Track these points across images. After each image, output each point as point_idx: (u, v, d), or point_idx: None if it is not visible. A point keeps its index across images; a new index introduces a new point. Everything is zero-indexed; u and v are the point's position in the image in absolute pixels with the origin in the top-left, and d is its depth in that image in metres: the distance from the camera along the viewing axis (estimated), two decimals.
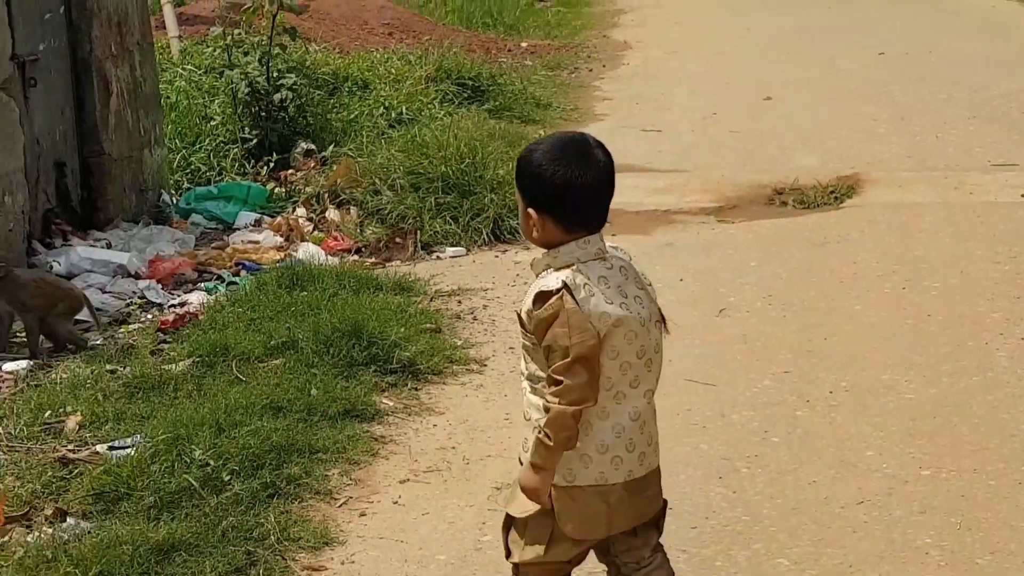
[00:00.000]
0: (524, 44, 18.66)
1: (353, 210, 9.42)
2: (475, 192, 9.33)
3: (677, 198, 10.10)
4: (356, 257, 8.79)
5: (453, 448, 5.80)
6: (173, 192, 10.01)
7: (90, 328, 7.44)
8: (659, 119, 13.23)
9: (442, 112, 12.16)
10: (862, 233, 8.88)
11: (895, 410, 6.03)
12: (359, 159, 10.00)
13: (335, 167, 10.08)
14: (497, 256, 8.82)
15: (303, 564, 4.81)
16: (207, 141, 10.96)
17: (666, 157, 11.54)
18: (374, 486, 5.45)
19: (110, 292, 8.00)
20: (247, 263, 8.50)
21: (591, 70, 16.80)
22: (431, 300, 7.79)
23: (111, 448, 5.56)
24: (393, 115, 11.88)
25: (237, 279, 8.19)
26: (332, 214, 9.45)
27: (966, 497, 5.20)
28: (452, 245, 8.98)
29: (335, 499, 5.32)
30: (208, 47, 13.05)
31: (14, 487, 5.26)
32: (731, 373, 6.55)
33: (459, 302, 7.81)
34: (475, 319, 7.52)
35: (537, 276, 3.57)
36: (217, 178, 10.39)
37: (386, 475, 5.56)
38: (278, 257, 8.65)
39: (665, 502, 3.81)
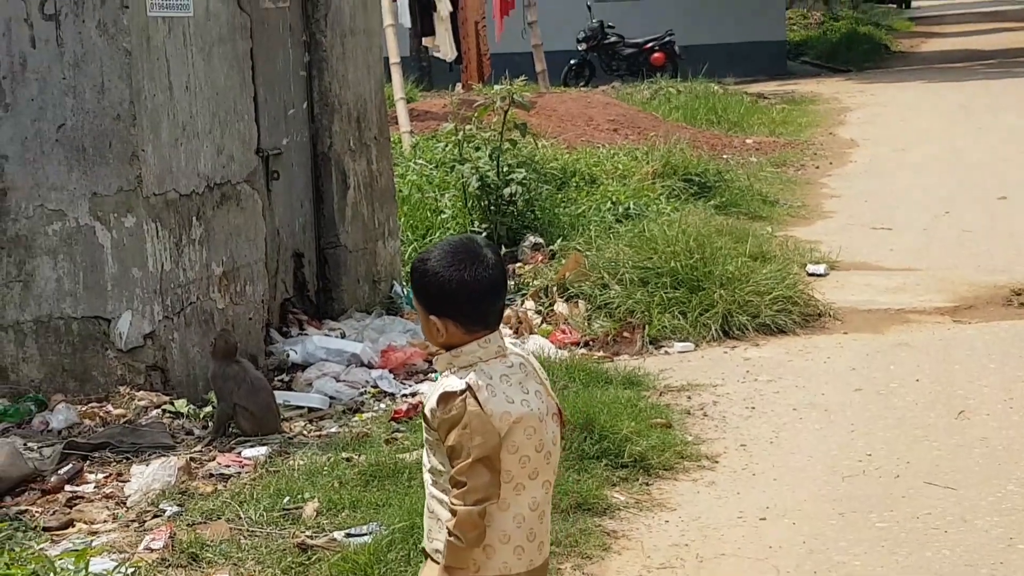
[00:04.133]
0: (749, 141, 18.67)
1: (581, 303, 9.47)
2: (703, 287, 9.30)
3: (911, 297, 9.92)
4: (584, 350, 8.82)
5: (686, 545, 5.73)
6: (405, 283, 10.19)
7: (325, 416, 7.60)
8: (889, 217, 13.08)
9: (669, 207, 12.21)
10: None
11: None
12: (587, 253, 10.07)
13: (563, 261, 10.16)
14: (726, 352, 8.76)
15: None
16: (438, 233, 11.17)
17: (898, 255, 11.37)
18: None
19: (344, 381, 8.15)
20: None
21: (818, 167, 16.73)
22: (661, 395, 7.77)
23: (348, 535, 5.63)
24: (620, 210, 11.96)
25: None
26: (560, 307, 9.51)
27: None
28: (680, 340, 8.94)
29: None
30: (439, 142, 13.34)
31: (255, 572, 5.36)
32: (972, 477, 6.36)
33: (688, 398, 7.76)
34: (705, 415, 7.47)
35: (441, 374, 3.62)
36: None
37: (619, 571, 5.51)
38: None
39: None
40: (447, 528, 3.52)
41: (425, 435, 3.65)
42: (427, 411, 3.59)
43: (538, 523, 3.66)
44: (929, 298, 9.87)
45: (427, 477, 3.68)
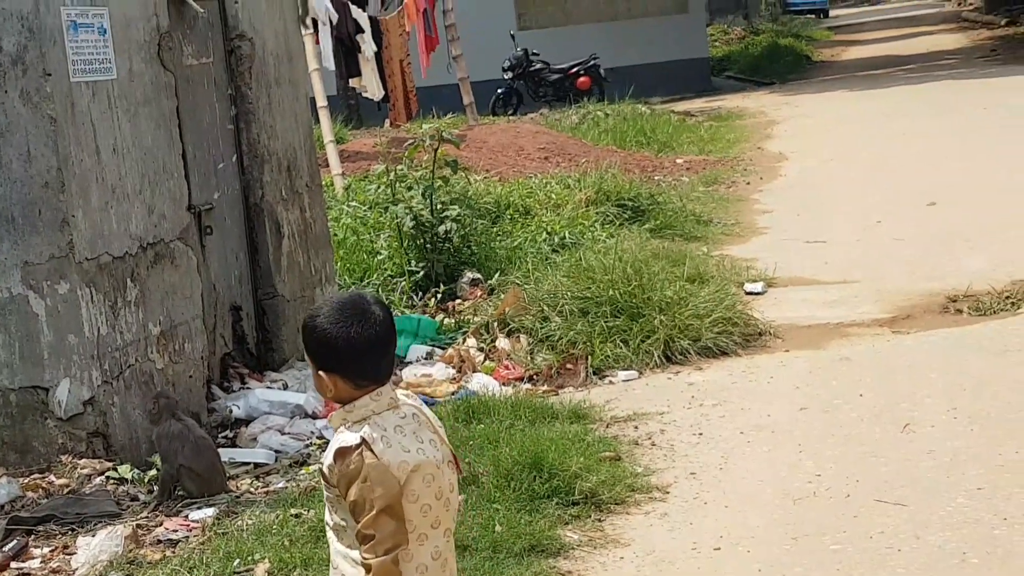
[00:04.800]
0: (680, 160, 18.72)
1: (523, 338, 9.42)
2: (643, 314, 9.27)
3: (849, 310, 9.93)
4: (529, 385, 8.77)
5: None
6: None
7: (271, 471, 7.50)
8: (822, 230, 13.12)
9: (604, 234, 12.18)
10: None
11: None
12: (526, 286, 10.02)
13: (503, 295, 10.12)
14: (670, 378, 8.73)
15: None
16: (375, 276, 11.12)
17: (833, 268, 11.39)
18: None
19: (289, 433, 8.06)
20: (422, 397, 8.49)
21: (748, 183, 16.77)
22: (607, 427, 7.72)
23: None
24: (556, 240, 11.93)
25: None
26: (502, 343, 9.46)
27: None
28: (624, 369, 8.90)
29: None
30: (372, 183, 13.23)
31: None
32: (922, 492, 6.36)
33: (636, 427, 7.72)
34: (654, 444, 7.43)
35: (336, 431, 3.61)
36: None
37: None
38: (452, 389, 8.66)
39: None
40: None
41: (325, 492, 3.64)
42: (324, 468, 3.60)
43: (441, 572, 3.66)
44: (867, 310, 9.89)
45: (331, 534, 3.69)
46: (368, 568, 3.49)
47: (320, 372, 3.62)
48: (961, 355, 8.51)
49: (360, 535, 3.51)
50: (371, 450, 3.50)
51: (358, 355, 3.58)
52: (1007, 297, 9.67)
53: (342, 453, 3.53)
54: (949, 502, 6.19)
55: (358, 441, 3.51)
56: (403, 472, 3.52)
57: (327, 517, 3.68)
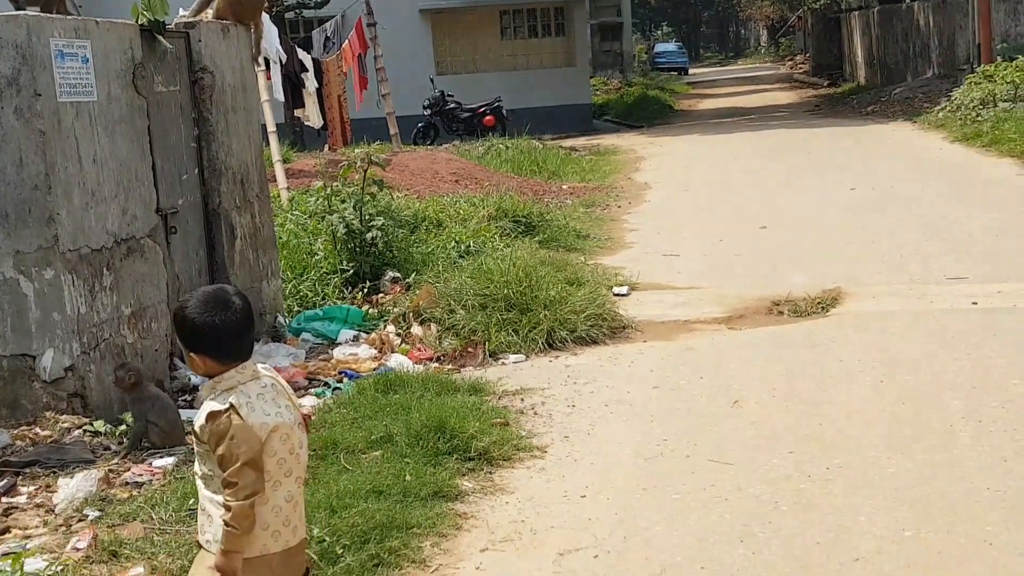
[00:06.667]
0: (565, 187, 18.80)
1: (433, 326, 9.44)
2: (531, 309, 9.33)
3: (695, 310, 10.05)
4: (436, 364, 8.79)
5: (522, 521, 5.75)
6: (287, 315, 10.07)
7: None
8: (677, 245, 13.25)
9: (502, 244, 12.21)
10: (846, 336, 8.80)
11: (880, 482, 5.94)
12: (437, 284, 10.04)
13: (417, 291, 10.12)
14: (551, 361, 8.79)
15: None
16: (312, 272, 11.05)
17: (684, 277, 11.52)
18: (459, 555, 5.41)
19: None
20: (349, 372, 8.53)
21: (620, 207, 16.88)
22: (499, 399, 7.77)
23: None
24: (462, 248, 11.93)
25: (341, 385, 8.21)
26: (416, 330, 9.48)
27: (941, 553, 5.12)
28: (514, 353, 8.95)
29: (428, 567, 5.28)
30: (312, 196, 13.17)
31: (166, 564, 5.25)
32: (745, 454, 6.48)
33: (522, 400, 7.78)
34: (535, 414, 7.49)
35: (206, 398, 3.63)
36: (321, 302, 10.45)
37: (469, 545, 5.51)
38: (374, 366, 8.67)
39: (309, 566, 3.90)
40: (224, 520, 3.53)
41: (196, 447, 3.65)
42: (196, 428, 3.60)
43: (292, 511, 3.68)
44: (709, 310, 10.01)
45: (199, 482, 3.68)
46: (228, 508, 3.51)
47: (191, 353, 3.61)
48: (781, 348, 8.66)
49: (225, 482, 3.51)
50: (238, 413, 3.51)
51: (222, 338, 3.57)
52: (818, 303, 9.82)
53: (213, 416, 3.54)
54: (766, 463, 6.31)
55: (227, 406, 3.52)
56: (264, 431, 3.53)
57: (196, 468, 3.67)
